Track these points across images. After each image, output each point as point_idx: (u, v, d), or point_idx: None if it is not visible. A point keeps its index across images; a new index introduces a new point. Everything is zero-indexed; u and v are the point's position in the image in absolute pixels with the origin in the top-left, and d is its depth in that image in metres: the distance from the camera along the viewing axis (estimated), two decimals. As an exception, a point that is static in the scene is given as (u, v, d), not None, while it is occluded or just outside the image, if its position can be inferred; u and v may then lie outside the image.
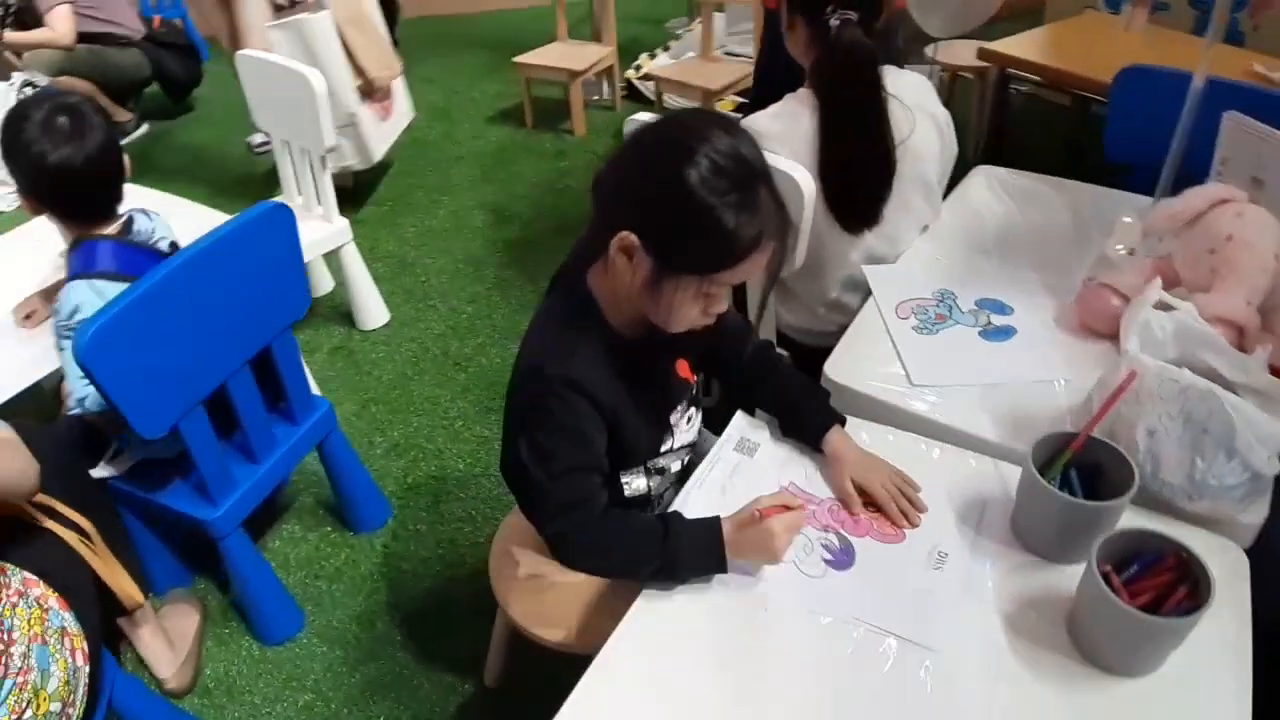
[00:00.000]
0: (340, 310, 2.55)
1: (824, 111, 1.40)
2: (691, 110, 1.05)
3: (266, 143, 3.48)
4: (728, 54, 3.74)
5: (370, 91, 2.85)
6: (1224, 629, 0.92)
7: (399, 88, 3.08)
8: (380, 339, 2.48)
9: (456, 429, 2.16)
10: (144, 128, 3.80)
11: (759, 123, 1.44)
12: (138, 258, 1.42)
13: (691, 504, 1.07)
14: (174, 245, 1.53)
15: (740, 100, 3.55)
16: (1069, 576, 0.95)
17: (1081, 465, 1.02)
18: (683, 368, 1.15)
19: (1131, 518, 0.99)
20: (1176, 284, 1.30)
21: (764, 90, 1.98)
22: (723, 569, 0.98)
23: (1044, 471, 0.99)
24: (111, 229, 1.44)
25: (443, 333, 2.49)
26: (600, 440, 1.03)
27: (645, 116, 1.60)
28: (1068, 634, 0.93)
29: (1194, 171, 1.54)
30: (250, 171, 3.44)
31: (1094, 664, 0.89)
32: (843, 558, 1.02)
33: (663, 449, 1.14)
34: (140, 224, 1.47)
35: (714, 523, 0.98)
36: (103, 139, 1.38)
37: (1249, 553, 1.02)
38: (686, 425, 1.17)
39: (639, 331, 1.04)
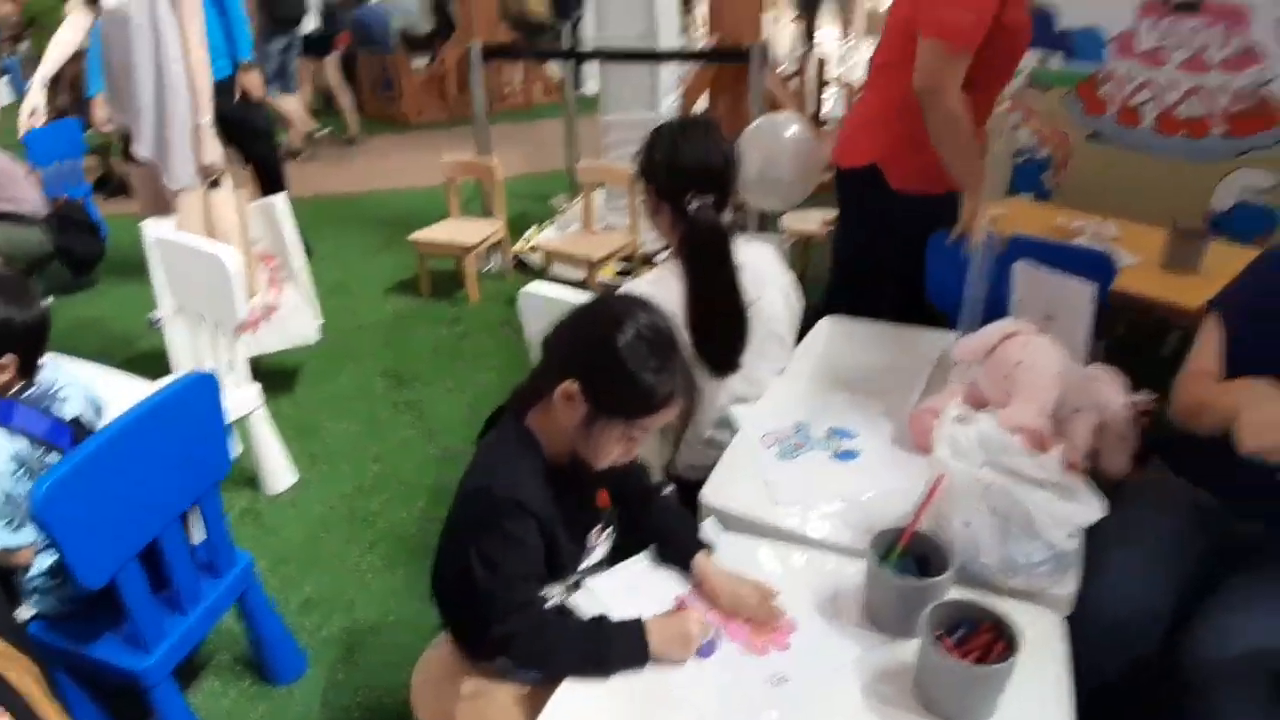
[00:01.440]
0: (248, 474, 2.62)
1: (689, 279, 1.66)
2: (621, 294, 1.32)
3: (166, 317, 3.62)
4: (607, 227, 4.11)
5: None
6: (1045, 683, 1.13)
7: (287, 304, 3.03)
8: (288, 501, 2.56)
9: (367, 581, 2.24)
10: (47, 300, 3.84)
11: (639, 287, 1.69)
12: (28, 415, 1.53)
13: (601, 590, 1.27)
14: (98, 409, 1.66)
15: (623, 265, 3.89)
16: (914, 649, 1.14)
17: (916, 555, 1.24)
18: (602, 497, 1.34)
19: (964, 593, 1.20)
20: (985, 403, 1.57)
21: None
22: (645, 661, 1.16)
23: (885, 562, 1.21)
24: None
25: (349, 492, 2.59)
26: (540, 553, 1.20)
27: (536, 287, 1.85)
28: (914, 695, 1.11)
29: (1001, 310, 1.86)
30: (153, 344, 3.53)
31: (937, 716, 1.08)
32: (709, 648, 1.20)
33: (581, 566, 1.32)
34: (44, 375, 1.59)
35: (639, 622, 1.18)
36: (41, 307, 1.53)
37: (1074, 620, 1.24)
38: (602, 546, 1.36)
39: (570, 465, 1.24)
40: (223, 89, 3.38)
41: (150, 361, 3.26)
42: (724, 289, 1.66)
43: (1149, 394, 1.54)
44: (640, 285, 1.72)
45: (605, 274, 3.74)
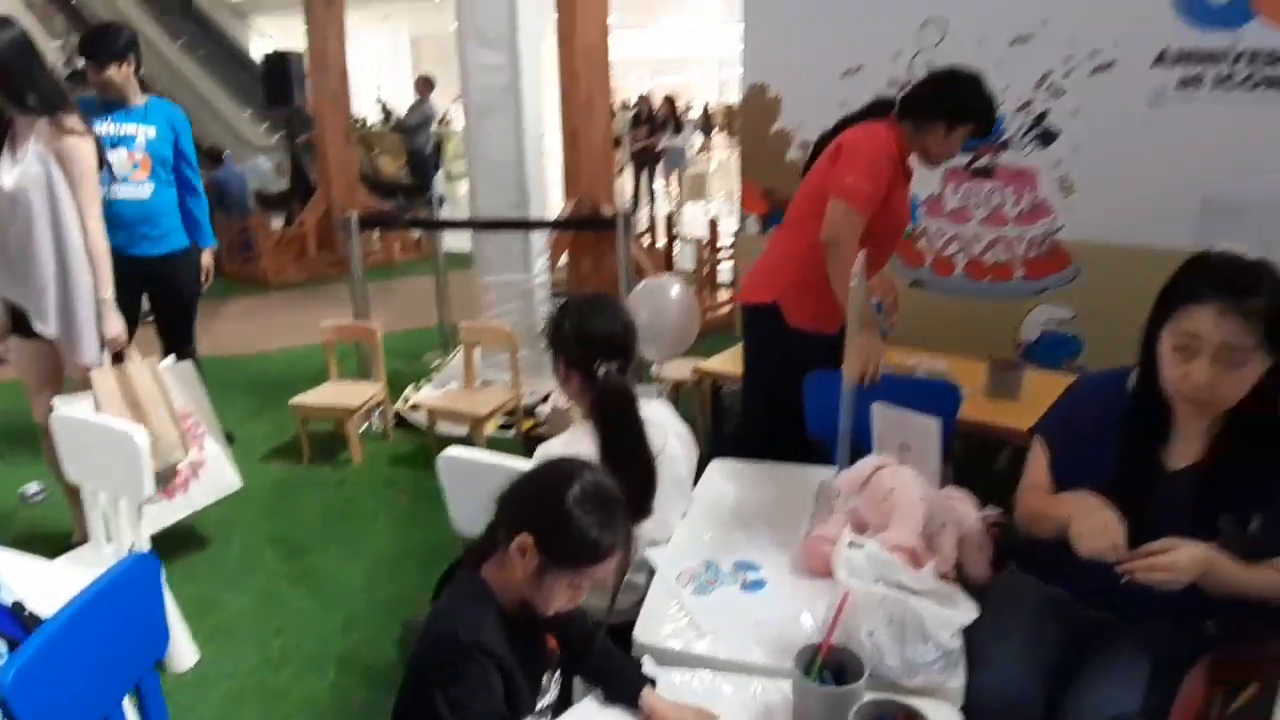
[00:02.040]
0: (145, 659, 2.54)
1: (601, 437, 1.85)
2: (566, 456, 1.50)
3: (40, 492, 3.54)
4: (485, 382, 4.27)
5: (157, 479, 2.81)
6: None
7: (210, 458, 3.09)
8: (194, 679, 2.49)
9: (285, 757, 2.21)
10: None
11: (554, 448, 1.87)
12: None
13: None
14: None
15: (506, 419, 4.04)
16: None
17: (833, 666, 1.43)
18: (551, 642, 1.48)
19: (877, 695, 1.40)
20: (866, 528, 1.82)
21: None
22: None
23: (808, 676, 1.39)
24: None
25: (256, 666, 2.55)
26: (502, 696, 1.31)
27: (457, 451, 1.99)
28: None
29: (868, 439, 2.14)
30: (31, 519, 3.43)
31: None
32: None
33: (537, 708, 1.43)
34: None
35: None
36: None
37: (967, 711, 1.45)
38: (554, 688, 1.48)
39: (522, 612, 1.37)
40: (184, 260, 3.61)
41: (39, 538, 3.16)
42: (633, 443, 1.87)
43: (995, 508, 1.83)
44: (555, 446, 1.90)
45: (490, 427, 3.88)
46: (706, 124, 18.40)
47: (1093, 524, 1.51)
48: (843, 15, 3.67)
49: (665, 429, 1.98)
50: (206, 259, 3.82)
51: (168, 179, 3.55)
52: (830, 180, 2.41)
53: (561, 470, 1.38)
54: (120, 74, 3.37)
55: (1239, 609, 1.54)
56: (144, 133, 3.45)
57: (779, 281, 2.58)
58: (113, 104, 3.42)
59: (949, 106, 2.44)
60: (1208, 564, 1.44)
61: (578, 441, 1.88)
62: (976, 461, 3.18)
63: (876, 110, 2.58)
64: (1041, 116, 3.34)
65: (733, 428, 2.72)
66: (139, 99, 3.48)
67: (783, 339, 2.56)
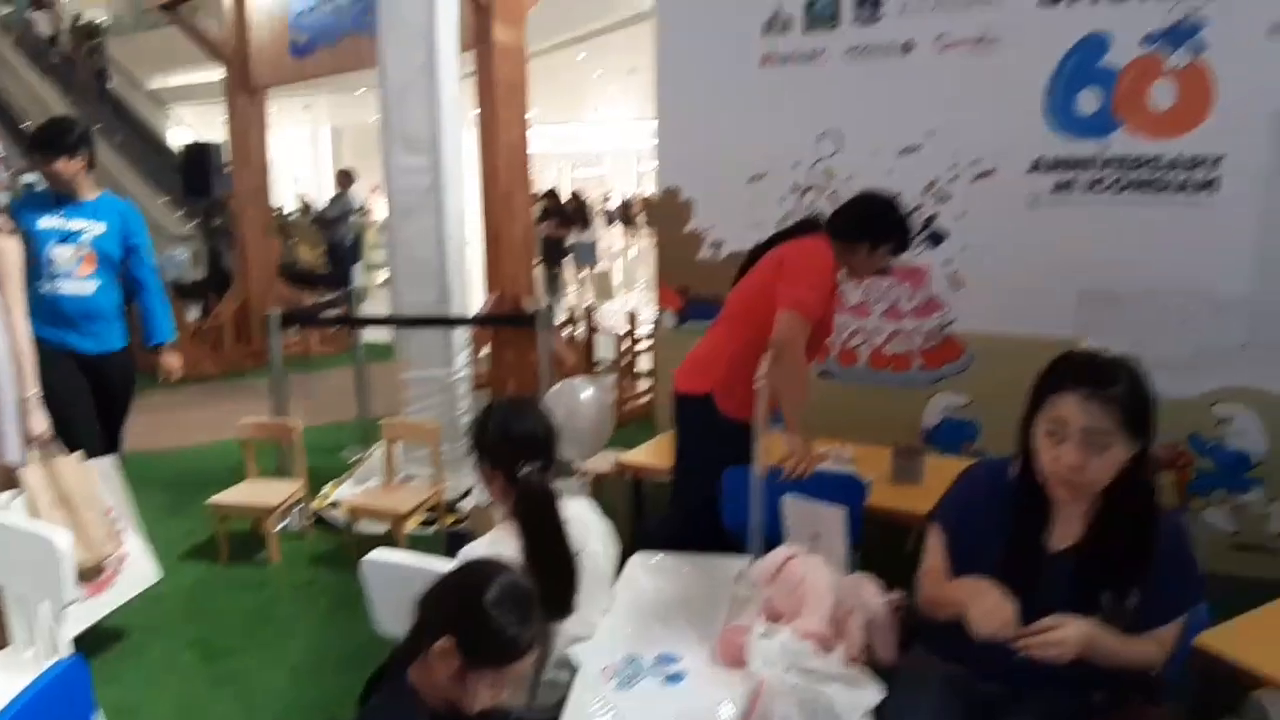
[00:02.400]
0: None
1: (524, 537, 1.92)
2: (483, 559, 1.56)
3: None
4: (406, 478, 4.27)
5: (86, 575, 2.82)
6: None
7: (132, 551, 3.07)
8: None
9: None
10: None
11: (478, 549, 1.92)
12: None
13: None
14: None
15: (428, 516, 4.04)
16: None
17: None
18: None
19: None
20: (780, 616, 1.91)
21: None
22: None
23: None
24: None
25: (174, 780, 2.48)
26: None
27: (379, 555, 2.03)
28: None
29: (778, 530, 2.25)
30: None
31: None
32: None
33: None
34: None
35: None
36: None
37: None
38: None
39: (450, 713, 1.42)
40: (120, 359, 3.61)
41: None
42: (555, 543, 1.94)
43: (900, 592, 1.95)
44: (478, 547, 1.96)
45: (413, 524, 3.87)
46: (626, 215, 18.90)
47: (985, 607, 1.63)
48: (748, 125, 3.94)
49: (587, 527, 2.06)
50: (171, 358, 3.79)
51: (112, 277, 3.51)
52: (779, 293, 2.60)
53: (478, 573, 1.45)
54: (69, 168, 3.34)
55: (1123, 679, 1.68)
56: (92, 229, 3.42)
57: (714, 373, 2.74)
58: (64, 198, 3.40)
59: (873, 230, 2.71)
60: (1091, 638, 1.58)
61: (500, 542, 1.94)
62: (886, 545, 3.30)
63: (806, 227, 2.83)
64: (931, 219, 3.62)
65: (659, 518, 2.81)
66: (90, 194, 3.45)
67: (715, 428, 2.70)
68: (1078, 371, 1.65)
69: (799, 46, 3.82)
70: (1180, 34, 3.22)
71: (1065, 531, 1.74)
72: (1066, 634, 1.56)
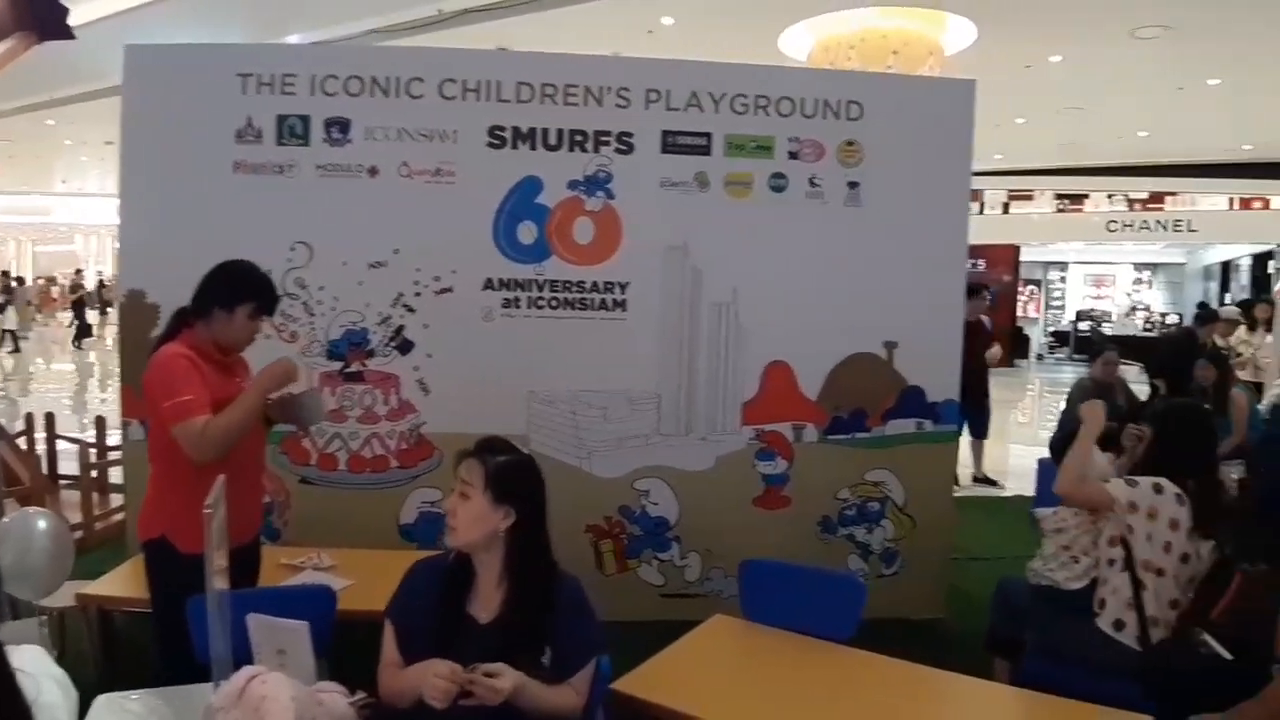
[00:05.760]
0: None
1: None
2: None
3: None
4: None
5: None
6: None
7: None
8: None
9: None
10: None
11: None
12: None
13: None
14: None
15: None
16: None
17: None
18: None
19: None
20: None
21: None
22: None
23: None
24: None
25: None
26: None
27: None
28: None
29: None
30: None
31: None
32: None
33: None
34: None
35: None
36: None
37: None
38: None
39: None
40: None
41: None
42: (6, 698, 1.75)
43: (363, 693, 2.10)
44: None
45: None
46: (102, 299, 16.67)
47: (431, 680, 1.87)
48: (221, 230, 3.82)
49: (38, 677, 1.89)
50: None
51: None
52: (153, 415, 2.55)
53: None
54: None
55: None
56: None
57: (161, 514, 2.60)
58: None
59: (221, 295, 2.67)
60: (519, 687, 1.93)
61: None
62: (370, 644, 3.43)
63: (178, 320, 2.73)
64: (400, 329, 3.92)
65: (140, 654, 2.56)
66: None
67: (178, 568, 2.53)
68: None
69: (271, 158, 3.88)
70: (595, 183, 3.97)
71: (487, 606, 2.09)
72: (502, 682, 1.90)
